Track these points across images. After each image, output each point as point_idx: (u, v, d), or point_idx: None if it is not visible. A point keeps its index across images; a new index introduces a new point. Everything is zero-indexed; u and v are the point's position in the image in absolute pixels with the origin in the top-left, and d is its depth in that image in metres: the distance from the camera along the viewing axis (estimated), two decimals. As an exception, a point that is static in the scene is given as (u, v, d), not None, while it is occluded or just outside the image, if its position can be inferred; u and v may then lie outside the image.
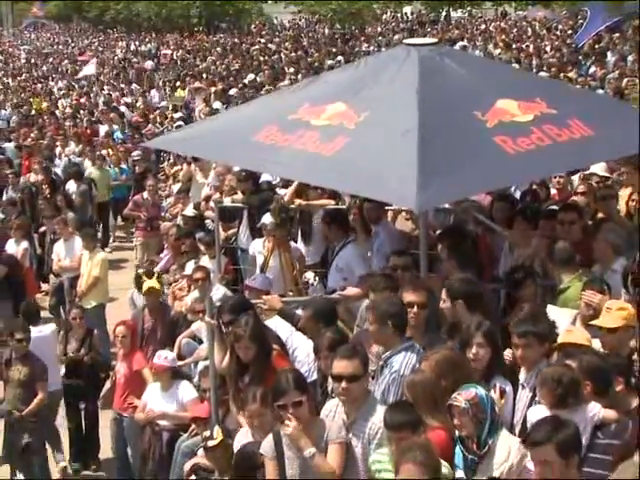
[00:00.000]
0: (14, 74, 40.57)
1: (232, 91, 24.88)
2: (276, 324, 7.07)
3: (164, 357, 8.10)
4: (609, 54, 23.77)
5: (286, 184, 10.29)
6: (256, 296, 7.64)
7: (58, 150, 19.27)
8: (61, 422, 9.32)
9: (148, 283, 9.14)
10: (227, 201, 10.47)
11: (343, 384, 5.16)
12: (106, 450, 9.17)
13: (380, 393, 5.59)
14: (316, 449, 5.08)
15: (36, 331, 8.86)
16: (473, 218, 8.13)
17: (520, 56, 25.87)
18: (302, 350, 6.86)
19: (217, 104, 22.08)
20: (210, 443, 6.54)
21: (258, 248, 9.38)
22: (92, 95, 30.36)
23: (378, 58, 8.45)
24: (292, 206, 9.45)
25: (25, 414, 8.49)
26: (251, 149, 6.74)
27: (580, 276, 6.65)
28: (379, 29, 47.54)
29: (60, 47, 54.26)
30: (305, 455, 5.08)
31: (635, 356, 5.46)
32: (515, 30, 38.06)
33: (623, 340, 5.60)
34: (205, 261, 9.85)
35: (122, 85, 32.17)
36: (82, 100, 28.66)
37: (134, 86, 31.32)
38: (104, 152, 18.03)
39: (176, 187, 14.19)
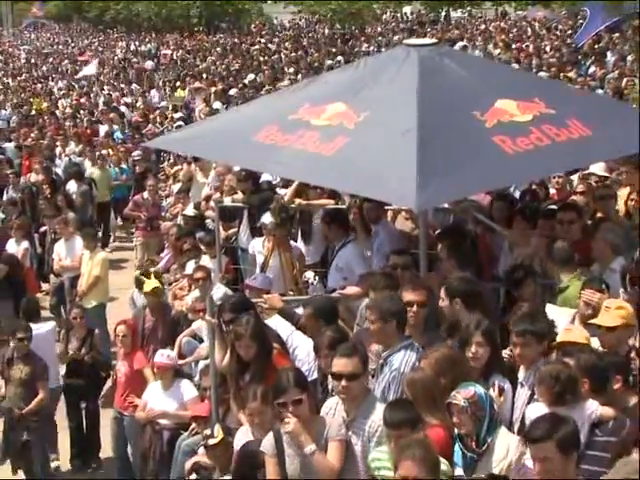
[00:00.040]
0: (14, 74, 40.52)
1: (232, 91, 24.89)
2: (276, 323, 7.09)
3: (167, 355, 8.15)
4: (609, 54, 23.80)
5: (286, 184, 10.31)
6: (256, 295, 7.68)
7: (58, 150, 19.29)
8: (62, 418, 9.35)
9: (152, 283, 9.17)
10: (227, 201, 10.49)
11: (343, 382, 5.19)
12: (107, 449, 9.19)
13: (380, 391, 5.62)
14: (316, 446, 5.11)
15: (35, 328, 8.89)
16: (472, 218, 8.16)
17: (520, 56, 25.88)
18: (302, 349, 6.89)
19: (217, 104, 22.10)
20: (211, 441, 6.57)
21: (258, 247, 9.41)
22: (92, 95, 30.36)
23: (378, 58, 8.48)
24: (292, 206, 9.48)
25: (25, 412, 8.53)
26: (251, 149, 6.77)
27: (579, 275, 6.68)
28: (379, 29, 47.53)
29: (60, 47, 54.18)
30: (305, 452, 5.11)
31: (633, 354, 5.49)
32: (515, 30, 38.06)
33: (622, 339, 5.64)
34: (206, 261, 9.87)
35: (122, 85, 32.16)
36: (82, 100, 28.66)
37: (134, 86, 31.32)
38: (104, 152, 18.05)
39: (176, 187, 14.19)
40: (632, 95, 16.31)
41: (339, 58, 31.58)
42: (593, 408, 4.97)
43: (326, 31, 46.92)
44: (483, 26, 42.32)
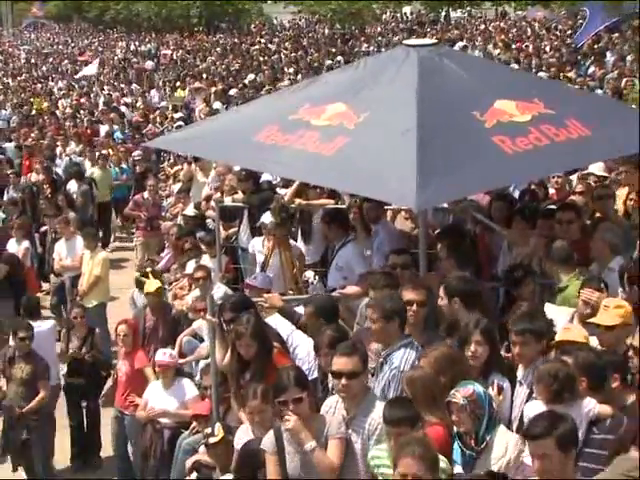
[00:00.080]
0: (14, 74, 40.51)
1: (232, 91, 24.89)
2: (276, 322, 7.11)
3: (169, 354, 8.18)
4: (608, 54, 23.82)
5: (286, 184, 10.34)
6: (257, 294, 7.70)
7: (59, 150, 19.31)
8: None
9: (155, 283, 9.20)
10: (228, 200, 10.51)
11: (343, 381, 5.22)
12: (107, 448, 9.22)
13: (380, 390, 5.65)
14: (316, 444, 5.14)
15: (36, 326, 8.92)
16: (472, 217, 8.19)
17: (519, 56, 25.91)
18: (303, 348, 6.91)
19: (217, 104, 22.11)
20: (211, 440, 6.59)
21: (257, 247, 9.43)
22: (92, 95, 30.37)
23: (378, 59, 8.51)
24: (292, 206, 9.50)
25: (26, 411, 8.55)
26: (252, 149, 6.80)
27: (578, 275, 6.71)
28: (379, 29, 47.55)
29: (60, 47, 54.17)
30: (306, 448, 5.14)
31: (631, 353, 5.52)
32: (514, 30, 38.10)
33: (620, 337, 5.67)
34: (206, 260, 9.90)
35: (122, 85, 32.17)
36: (82, 100, 28.68)
37: (134, 86, 31.32)
38: (104, 152, 18.07)
39: (176, 187, 14.21)
40: (631, 95, 16.31)
41: (339, 58, 31.61)
42: (591, 406, 5.00)
43: (326, 31, 46.92)
44: (483, 26, 42.35)
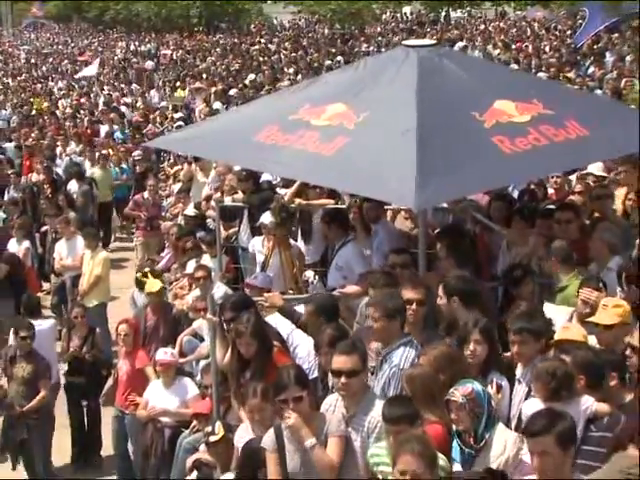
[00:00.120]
0: (14, 74, 40.54)
1: (232, 91, 24.89)
2: (277, 321, 7.13)
3: (170, 353, 8.21)
4: (607, 54, 23.83)
5: (286, 184, 10.36)
6: (257, 294, 7.73)
7: (59, 150, 19.33)
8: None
9: (157, 283, 9.23)
10: (228, 200, 10.53)
11: (342, 379, 5.24)
12: (108, 447, 9.24)
13: (380, 388, 5.68)
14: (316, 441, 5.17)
15: (37, 324, 8.94)
16: (471, 217, 8.21)
17: (519, 56, 25.93)
18: (303, 347, 6.93)
19: (217, 104, 22.13)
20: (212, 439, 6.61)
21: (258, 246, 9.45)
22: (92, 95, 30.39)
23: (377, 59, 8.54)
24: (292, 205, 9.52)
25: (26, 410, 8.58)
26: (252, 149, 6.83)
27: (577, 274, 6.74)
28: (379, 29, 47.56)
29: (60, 47, 54.16)
30: (306, 445, 5.17)
31: (629, 351, 5.55)
32: (514, 30, 38.11)
33: (618, 337, 5.70)
34: (206, 260, 9.91)
35: (122, 85, 32.19)
36: (82, 100, 28.70)
37: (134, 86, 31.34)
38: (105, 152, 18.09)
39: (177, 187, 14.22)
40: (631, 95, 16.32)
41: (339, 58, 31.60)
42: (588, 404, 5.03)
43: (326, 31, 46.92)
44: (483, 26, 42.37)
